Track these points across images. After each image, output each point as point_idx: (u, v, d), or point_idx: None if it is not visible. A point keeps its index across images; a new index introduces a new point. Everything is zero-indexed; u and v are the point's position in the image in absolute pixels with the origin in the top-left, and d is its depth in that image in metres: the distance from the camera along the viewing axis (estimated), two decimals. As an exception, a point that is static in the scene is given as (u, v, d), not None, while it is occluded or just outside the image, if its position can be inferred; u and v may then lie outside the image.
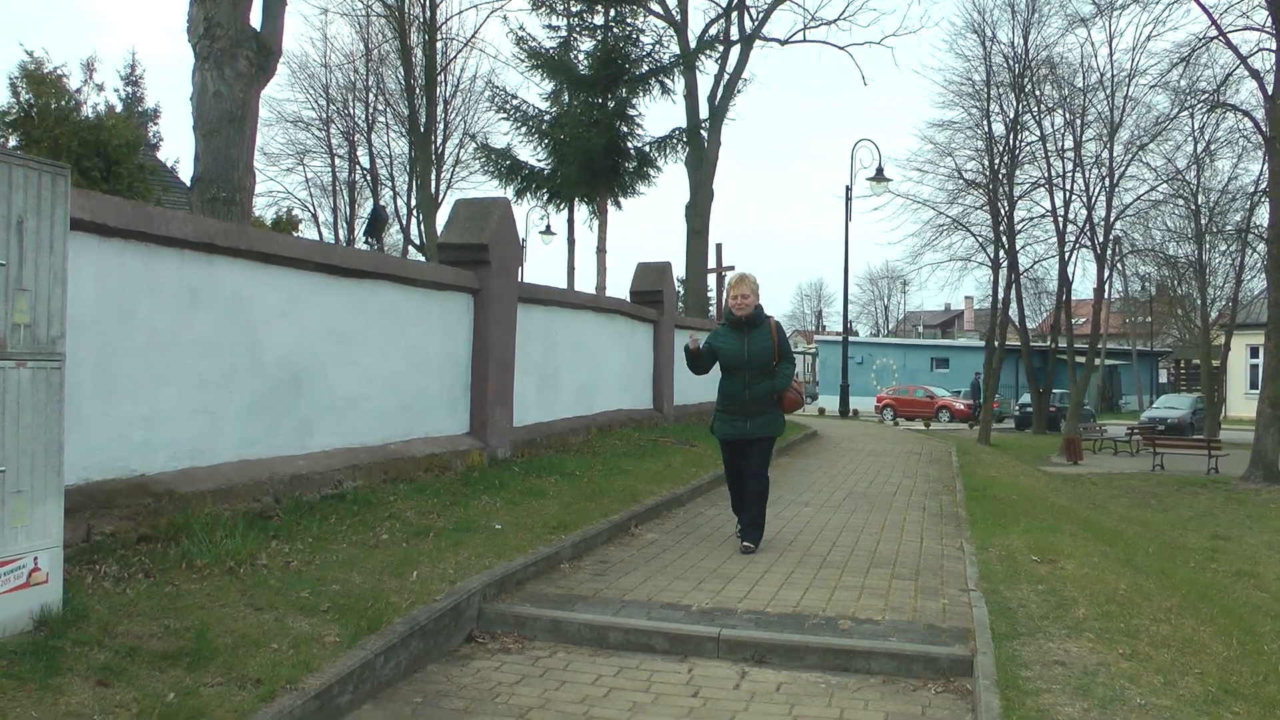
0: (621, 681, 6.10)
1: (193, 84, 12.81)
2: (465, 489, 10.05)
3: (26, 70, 26.02)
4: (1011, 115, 38.32)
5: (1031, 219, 41.81)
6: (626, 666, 6.38)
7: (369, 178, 51.60)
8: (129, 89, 45.90)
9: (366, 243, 34.68)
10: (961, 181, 40.10)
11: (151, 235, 7.32)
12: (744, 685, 6.07)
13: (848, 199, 38.28)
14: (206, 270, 7.87)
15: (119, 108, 39.42)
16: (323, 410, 9.16)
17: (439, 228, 32.68)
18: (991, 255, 39.40)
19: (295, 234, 34.78)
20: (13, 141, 24.20)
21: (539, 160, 30.33)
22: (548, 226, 41.74)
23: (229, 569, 6.56)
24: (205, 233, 7.85)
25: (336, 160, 52.03)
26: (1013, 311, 42.74)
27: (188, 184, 32.62)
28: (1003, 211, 38.36)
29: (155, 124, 44.18)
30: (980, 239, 40.58)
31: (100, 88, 31.91)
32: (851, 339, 50.31)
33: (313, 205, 53.43)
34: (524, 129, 29.80)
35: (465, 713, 5.46)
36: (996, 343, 39.01)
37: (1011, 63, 38.30)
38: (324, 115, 50.84)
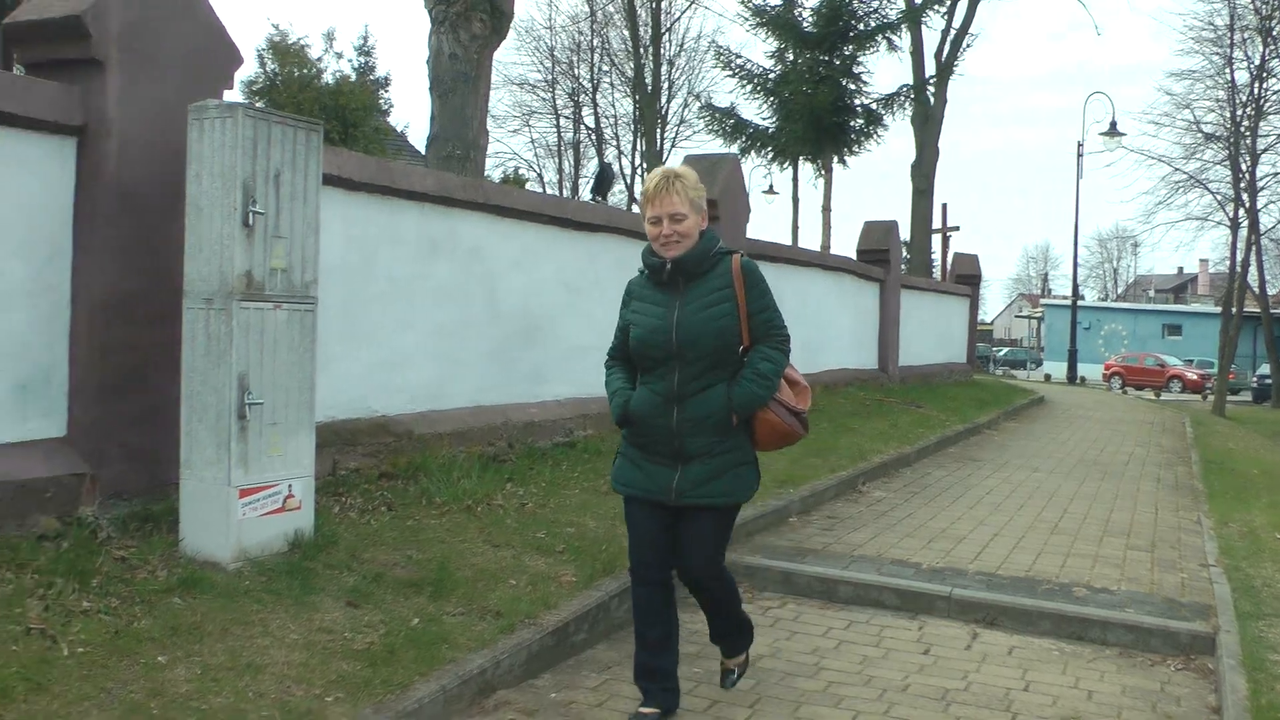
0: (851, 635, 6.11)
1: (428, 47, 13.17)
2: (689, 442, 10.11)
3: (272, 42, 27.32)
4: (1257, 62, 36.36)
5: (1276, 175, 39.61)
6: (856, 621, 6.38)
7: (593, 137, 52.28)
8: (362, 58, 47.39)
9: (593, 200, 35.20)
10: (1199, 135, 38.25)
11: (394, 189, 7.61)
12: (975, 646, 6.01)
13: (1079, 156, 37.02)
14: (445, 223, 8.13)
15: (352, 77, 40.87)
16: (555, 360, 9.37)
17: (662, 187, 32.76)
18: (1230, 214, 37.57)
19: (521, 195, 35.53)
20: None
21: (763, 119, 30.31)
22: (770, 186, 41.52)
23: (466, 507, 6.81)
24: (444, 187, 8.11)
25: (561, 120, 52.86)
26: (1252, 276, 40.69)
27: (416, 147, 33.67)
28: (1244, 167, 36.51)
29: (386, 91, 45.55)
30: (1219, 197, 38.59)
31: (340, 56, 33.30)
32: (1079, 303, 48.72)
33: (537, 165, 54.46)
34: (748, 87, 29.81)
35: (697, 658, 5.53)
36: (1234, 309, 37.31)
37: (1258, 3, 36.35)
38: (549, 77, 51.67)
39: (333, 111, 25.78)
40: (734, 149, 30.08)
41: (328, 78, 32.16)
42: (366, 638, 4.71)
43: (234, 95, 6.28)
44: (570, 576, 5.89)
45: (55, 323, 5.65)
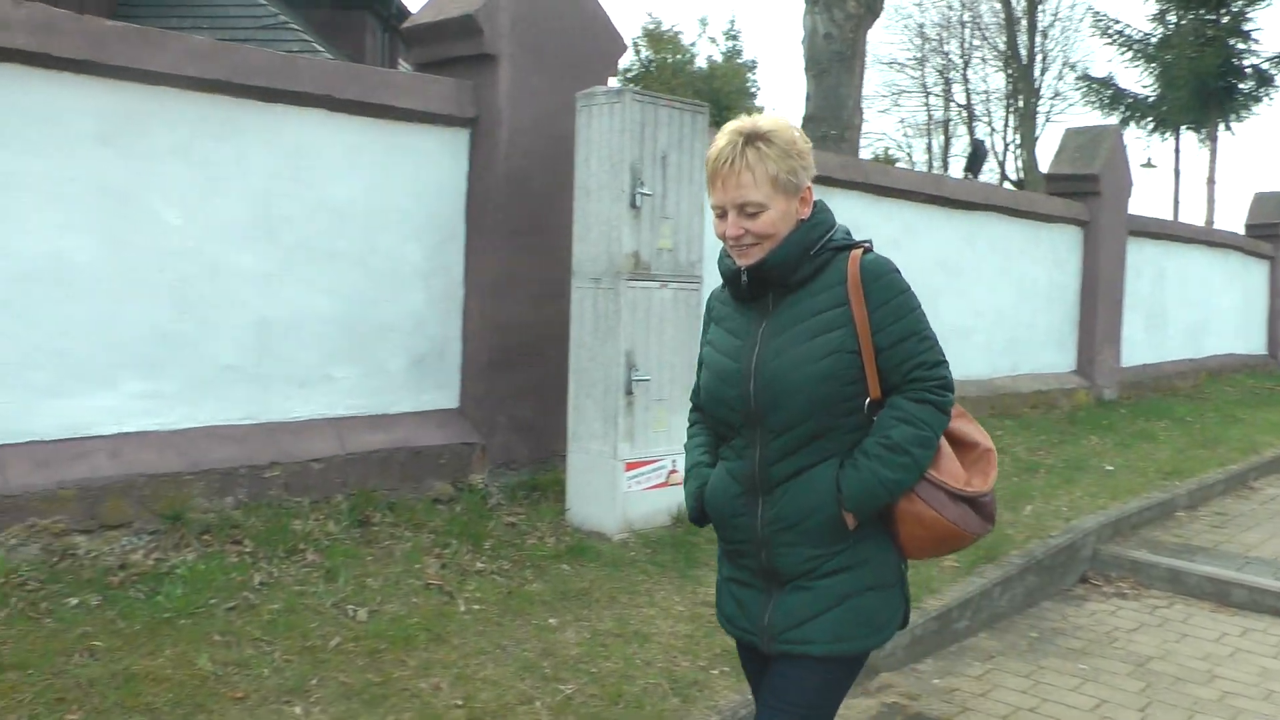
0: (1247, 643, 5.68)
1: (803, 28, 13.16)
2: (1072, 428, 9.77)
3: (647, 31, 28.15)
4: None
5: None
6: (1252, 628, 5.93)
7: (964, 114, 51.04)
8: (729, 43, 48.18)
9: (965, 178, 34.53)
10: None
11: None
12: (1384, 665, 5.46)
13: None
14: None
15: (720, 62, 41.56)
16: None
17: (1038, 161, 31.60)
18: None
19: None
20: (634, 94, 26.34)
21: (1143, 87, 28.94)
22: (1148, 160, 39.43)
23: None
24: (822, 166, 8.04)
25: (930, 98, 51.85)
26: None
27: (788, 128, 33.90)
28: None
29: (752, 74, 46.14)
30: None
31: (713, 40, 34.09)
32: None
33: (906, 145, 53.64)
34: (1127, 54, 28.56)
35: (1082, 654, 5.31)
36: None
37: None
38: (919, 55, 50.75)
39: (706, 95, 26.28)
40: (1113, 121, 28.77)
41: (700, 63, 32.81)
42: (754, 614, 4.74)
43: (613, 83, 6.46)
44: (952, 562, 5.75)
45: (449, 302, 6.01)
